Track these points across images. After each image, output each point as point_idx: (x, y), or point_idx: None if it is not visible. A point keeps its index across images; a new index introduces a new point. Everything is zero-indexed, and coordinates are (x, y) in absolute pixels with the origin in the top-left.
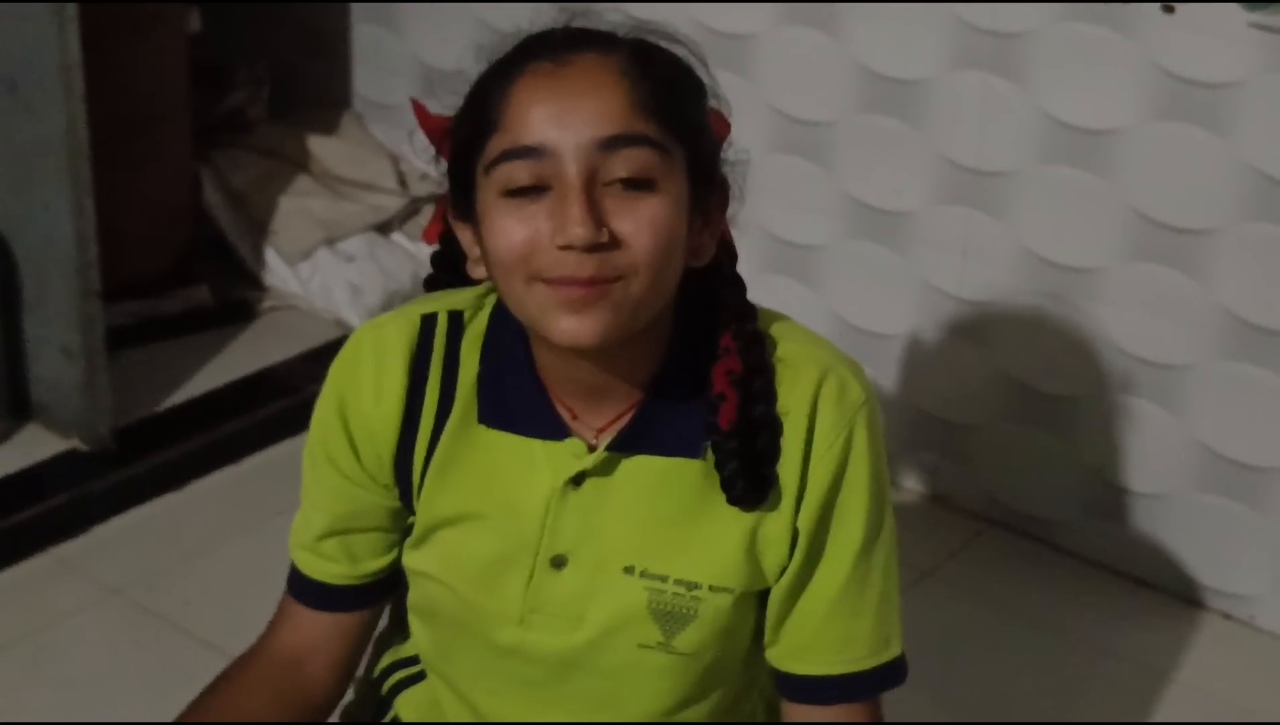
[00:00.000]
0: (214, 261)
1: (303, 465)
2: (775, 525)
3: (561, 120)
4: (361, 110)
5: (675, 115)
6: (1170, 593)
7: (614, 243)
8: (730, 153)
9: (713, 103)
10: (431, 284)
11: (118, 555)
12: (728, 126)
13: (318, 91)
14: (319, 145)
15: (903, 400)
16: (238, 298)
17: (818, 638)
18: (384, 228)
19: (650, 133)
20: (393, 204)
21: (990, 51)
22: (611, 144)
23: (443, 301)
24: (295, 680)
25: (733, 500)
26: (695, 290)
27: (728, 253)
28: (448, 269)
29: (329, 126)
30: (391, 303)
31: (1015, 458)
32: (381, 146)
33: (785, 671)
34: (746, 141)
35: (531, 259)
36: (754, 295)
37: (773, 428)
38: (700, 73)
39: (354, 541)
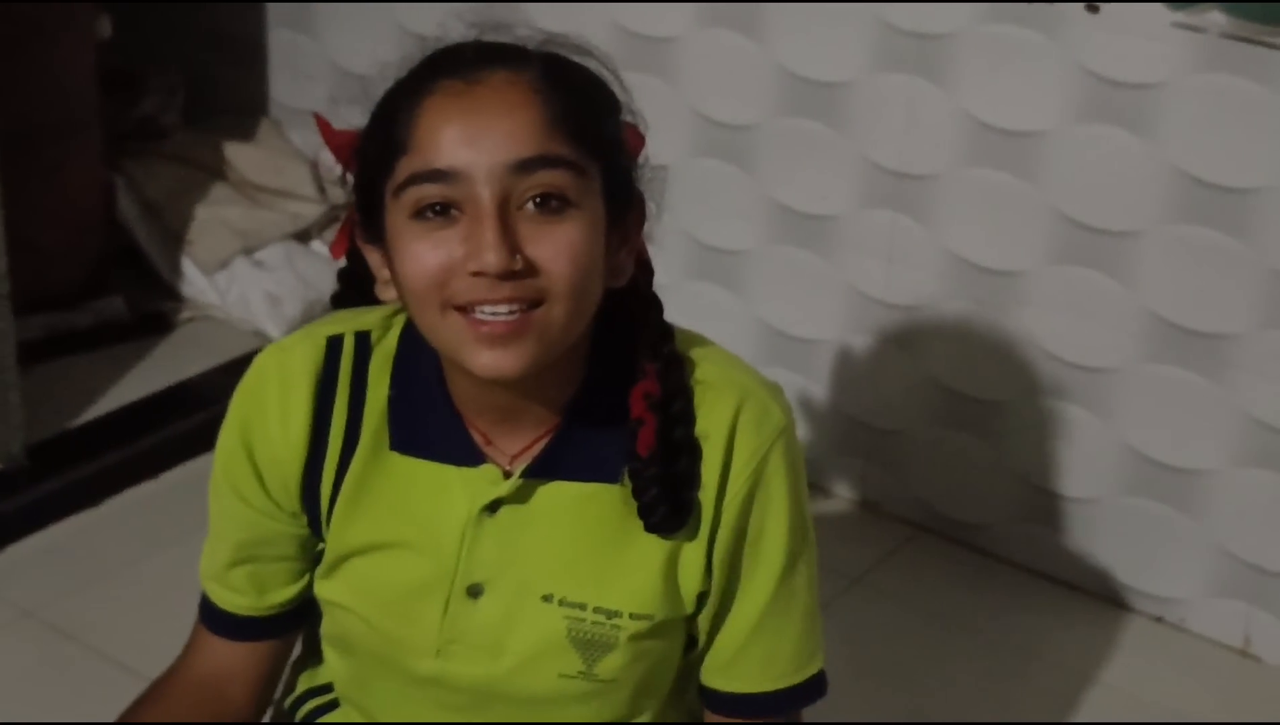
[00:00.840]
0: (129, 272)
1: (209, 495)
2: (693, 551)
3: (473, 142)
4: (278, 116)
5: (589, 133)
6: (1101, 597)
7: (530, 269)
8: (647, 168)
9: (627, 117)
10: (339, 301)
11: (31, 576)
12: (643, 140)
13: (233, 98)
14: (235, 152)
15: (830, 406)
16: (153, 309)
17: (741, 657)
18: (303, 236)
19: (565, 153)
20: (311, 211)
21: (913, 53)
22: (525, 166)
23: (349, 322)
24: (213, 704)
25: (651, 527)
26: (612, 310)
27: (644, 271)
28: (355, 286)
29: (245, 133)
30: (312, 312)
31: (944, 463)
32: (299, 153)
33: (709, 687)
34: (668, 145)
35: (445, 286)
36: (678, 302)
37: (692, 452)
38: (614, 87)
39: (262, 571)
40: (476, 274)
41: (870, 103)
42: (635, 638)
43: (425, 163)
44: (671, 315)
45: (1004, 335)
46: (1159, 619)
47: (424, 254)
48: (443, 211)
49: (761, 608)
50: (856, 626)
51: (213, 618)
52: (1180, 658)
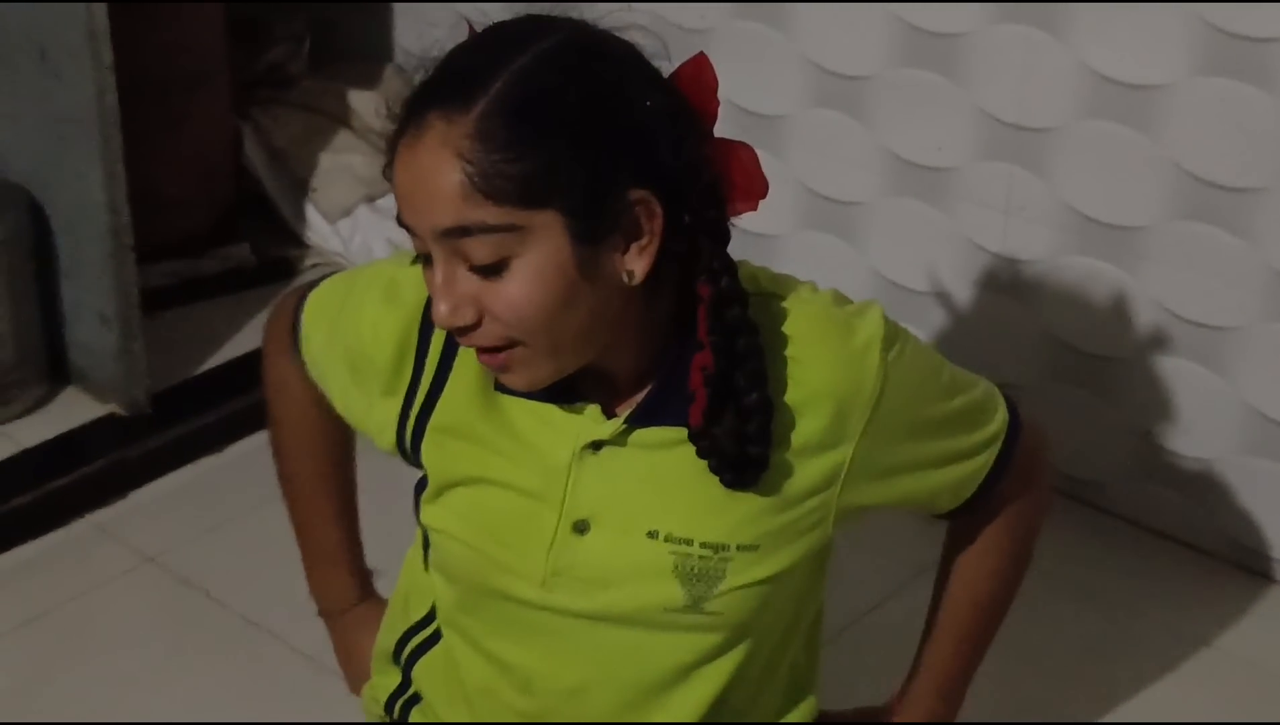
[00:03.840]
0: (255, 219)
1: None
2: (809, 488)
3: (411, 205)
4: (403, 63)
5: (531, 181)
6: (1217, 556)
7: (489, 319)
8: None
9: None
10: None
11: (154, 521)
12: (709, 82)
13: (358, 45)
14: (360, 100)
15: (946, 358)
16: (279, 256)
17: (955, 497)
18: None
19: (488, 219)
20: None
21: (1031, 4)
22: (449, 235)
23: None
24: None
25: (727, 484)
26: (690, 268)
27: (715, 237)
28: None
29: (370, 80)
30: None
31: (1059, 419)
32: None
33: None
34: (783, 95)
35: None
36: (793, 251)
37: (764, 412)
38: (652, 59)
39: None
40: None
41: (987, 54)
42: (746, 570)
43: (398, 211)
44: (785, 264)
45: (1122, 291)
46: (1275, 579)
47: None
48: (427, 260)
49: (931, 488)
50: None
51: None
52: None
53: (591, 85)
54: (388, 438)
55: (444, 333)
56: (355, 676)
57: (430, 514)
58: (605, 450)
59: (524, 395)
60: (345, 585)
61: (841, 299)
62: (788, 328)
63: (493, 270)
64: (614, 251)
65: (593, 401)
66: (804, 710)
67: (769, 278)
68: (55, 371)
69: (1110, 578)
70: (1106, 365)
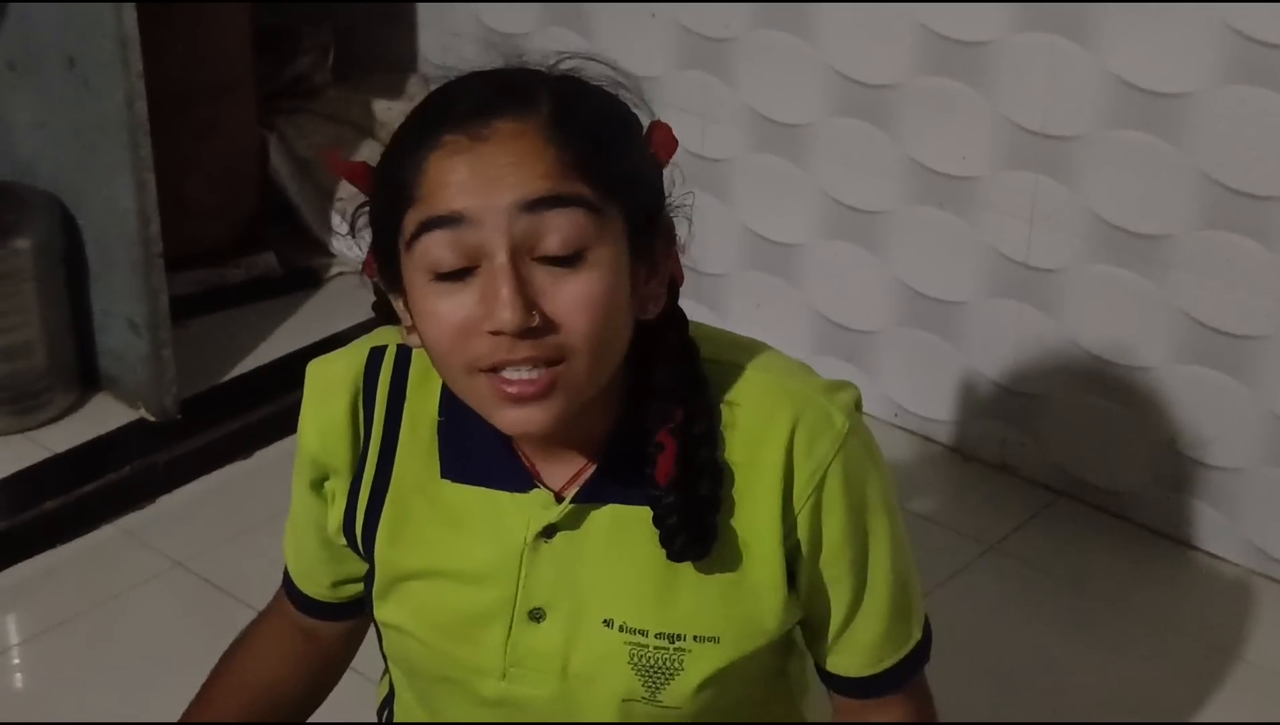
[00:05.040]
0: (281, 228)
1: (293, 484)
2: (763, 569)
3: (482, 186)
4: (427, 73)
5: (607, 172)
6: (1245, 567)
7: (548, 325)
8: (673, 189)
9: (654, 116)
10: (378, 309)
11: (182, 526)
12: (671, 145)
13: (382, 55)
14: (384, 110)
15: (969, 369)
16: (304, 265)
17: (838, 648)
18: None
19: (580, 191)
20: None
21: (1056, 11)
22: (537, 205)
23: (395, 335)
24: (307, 638)
25: (674, 556)
26: (643, 331)
27: (670, 289)
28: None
29: (394, 91)
30: None
31: (1084, 428)
32: None
33: (820, 668)
34: (807, 104)
35: (466, 348)
36: (817, 261)
37: (715, 475)
38: (631, 104)
39: (328, 566)
40: (495, 332)
41: (1011, 62)
42: (703, 661)
43: (433, 209)
44: (809, 274)
45: (1148, 300)
46: None
47: (444, 314)
48: (458, 275)
49: (845, 609)
50: (993, 591)
51: (290, 589)
52: None
53: (620, 105)
54: (335, 518)
55: (384, 414)
56: None
57: (384, 611)
58: (558, 536)
59: (474, 483)
60: None
61: (804, 369)
62: (737, 394)
63: (568, 261)
64: (641, 275)
65: (541, 485)
66: None
67: (714, 341)
68: (85, 378)
69: (1137, 588)
70: (1131, 374)
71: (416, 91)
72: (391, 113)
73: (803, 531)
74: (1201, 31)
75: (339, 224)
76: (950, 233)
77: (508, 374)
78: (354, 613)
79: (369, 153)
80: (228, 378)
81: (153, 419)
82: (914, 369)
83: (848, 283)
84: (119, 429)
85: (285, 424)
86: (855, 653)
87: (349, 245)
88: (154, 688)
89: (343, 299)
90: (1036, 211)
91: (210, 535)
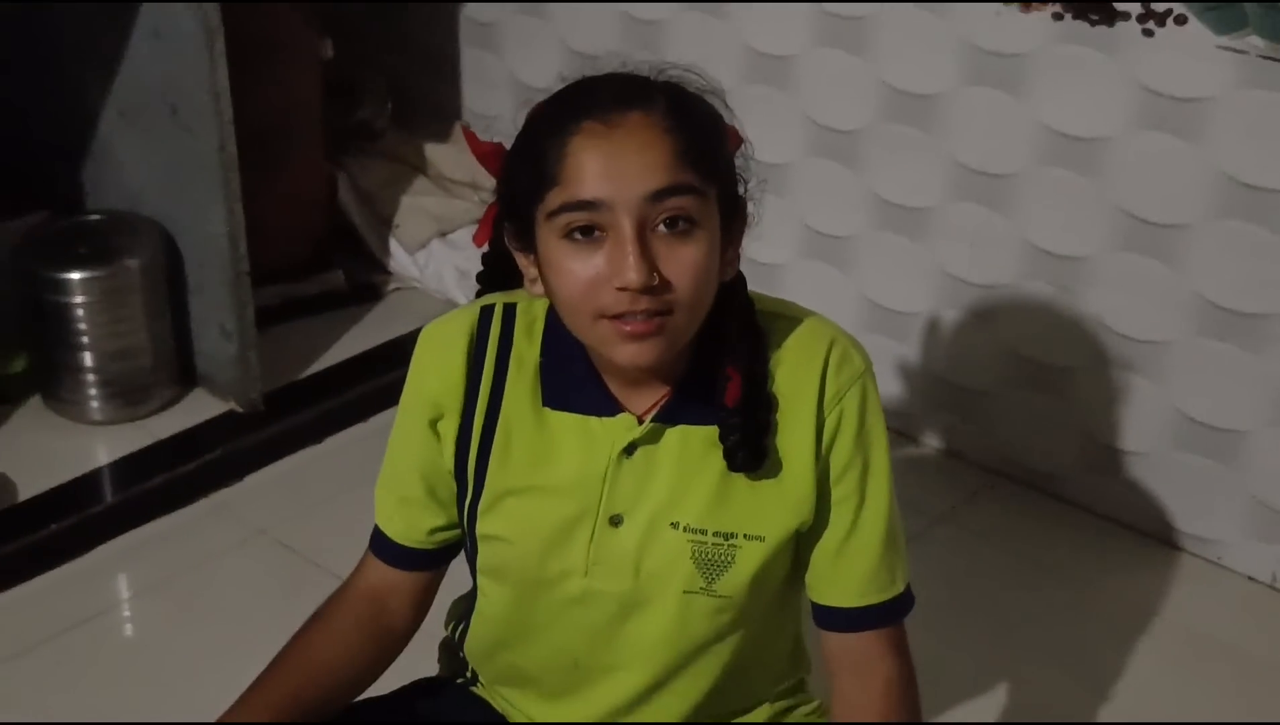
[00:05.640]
0: (347, 250)
1: (389, 442)
2: (799, 481)
3: (615, 177)
4: (469, 121)
5: (708, 160)
6: (1154, 537)
7: (663, 284)
8: (749, 171)
9: (729, 119)
10: (483, 280)
11: (266, 500)
12: (740, 140)
13: (433, 105)
14: (434, 151)
15: (922, 369)
16: (367, 281)
17: (832, 574)
18: None
19: (690, 180)
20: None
21: (995, 69)
22: (660, 195)
23: (500, 297)
24: (376, 613)
25: (734, 467)
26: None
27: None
28: (498, 270)
29: (442, 135)
30: None
31: (1020, 419)
32: None
33: (813, 601)
34: (786, 147)
35: (594, 298)
36: (795, 279)
37: (768, 403)
38: (719, 107)
39: (423, 511)
40: (621, 288)
41: (958, 112)
42: (749, 557)
43: (574, 195)
44: (788, 290)
45: (1071, 312)
46: (1200, 557)
47: (576, 271)
48: (588, 233)
49: (843, 533)
50: (941, 557)
51: (380, 545)
52: (1218, 591)
53: (713, 107)
54: (448, 453)
55: (495, 357)
56: None
57: (486, 524)
58: (638, 452)
59: (569, 409)
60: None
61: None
62: (783, 340)
63: (684, 231)
64: (726, 244)
65: (625, 412)
66: (807, 712)
67: (763, 300)
68: (184, 376)
69: (1065, 555)
70: (1059, 373)
71: (459, 136)
72: (439, 153)
73: (826, 443)
74: (1117, 86)
75: (395, 247)
76: (907, 255)
77: (627, 319)
78: (441, 562)
79: (421, 187)
80: (303, 375)
81: (240, 410)
82: (876, 367)
83: (818, 297)
84: (212, 418)
85: (352, 414)
86: (845, 582)
87: (408, 264)
88: (239, 634)
89: (399, 310)
90: (978, 237)
91: (289, 508)
